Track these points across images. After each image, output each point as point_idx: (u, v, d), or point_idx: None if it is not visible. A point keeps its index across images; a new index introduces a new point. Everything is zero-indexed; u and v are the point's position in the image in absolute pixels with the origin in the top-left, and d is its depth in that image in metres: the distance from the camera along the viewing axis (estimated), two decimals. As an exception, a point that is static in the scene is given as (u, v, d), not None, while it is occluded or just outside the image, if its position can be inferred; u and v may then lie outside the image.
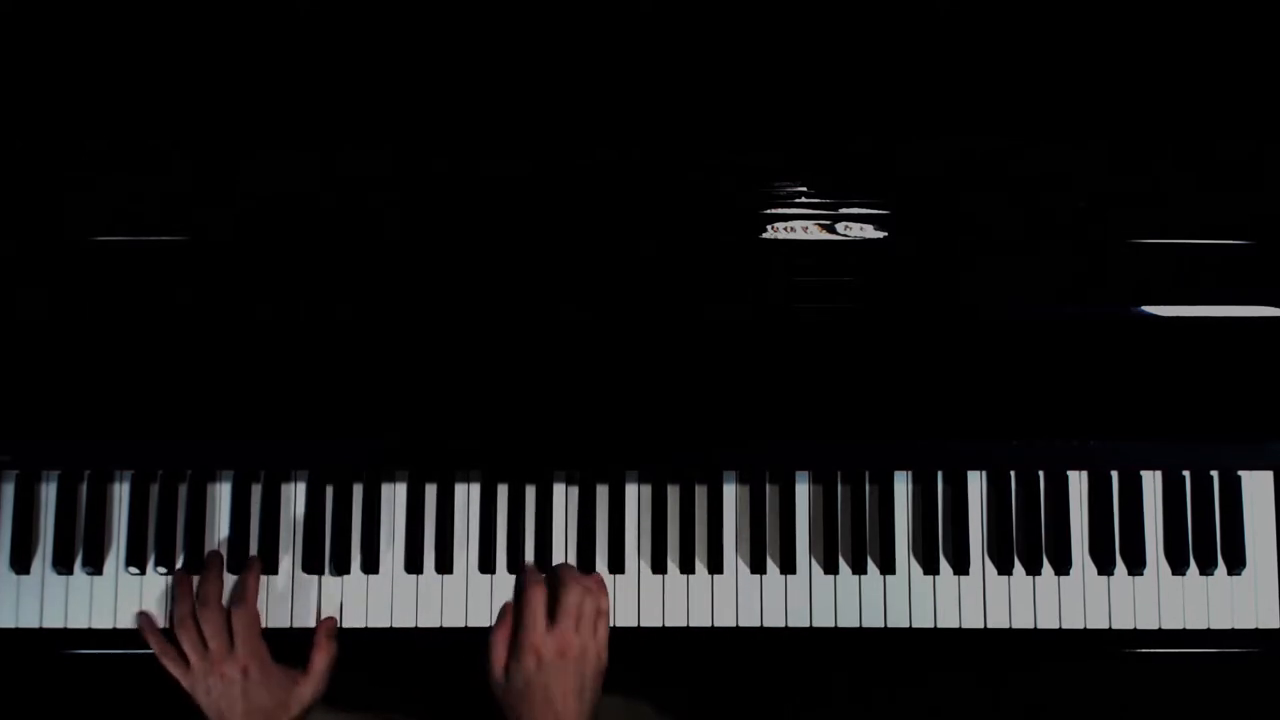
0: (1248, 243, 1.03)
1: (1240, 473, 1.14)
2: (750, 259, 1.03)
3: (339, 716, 1.17)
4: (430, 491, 1.15)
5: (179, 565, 1.13)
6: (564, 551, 1.14)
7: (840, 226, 1.03)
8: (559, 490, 1.15)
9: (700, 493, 1.15)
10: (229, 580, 1.13)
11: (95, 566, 1.13)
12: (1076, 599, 1.13)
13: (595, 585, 1.11)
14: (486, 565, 1.14)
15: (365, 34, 1.07)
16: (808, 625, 1.13)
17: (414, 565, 1.13)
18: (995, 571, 1.14)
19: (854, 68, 1.07)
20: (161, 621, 1.13)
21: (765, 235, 1.03)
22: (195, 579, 1.12)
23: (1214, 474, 1.14)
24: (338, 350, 1.03)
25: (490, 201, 1.04)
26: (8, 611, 1.13)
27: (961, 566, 1.13)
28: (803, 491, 1.15)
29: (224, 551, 1.13)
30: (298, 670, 1.10)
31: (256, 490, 1.15)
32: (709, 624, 1.14)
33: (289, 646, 1.14)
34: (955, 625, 1.13)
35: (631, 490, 1.15)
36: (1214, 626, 1.13)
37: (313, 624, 1.13)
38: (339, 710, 1.17)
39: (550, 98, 1.06)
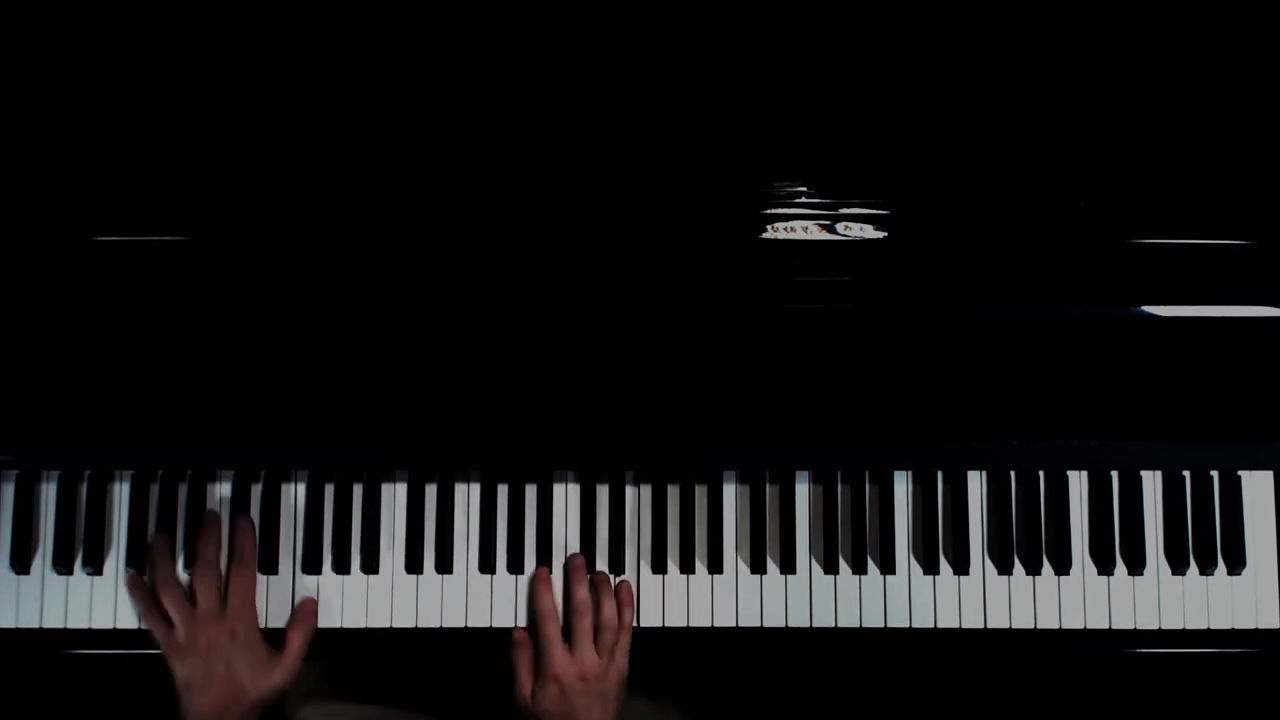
0: (1248, 243, 1.03)
1: (1240, 473, 1.14)
2: (750, 259, 1.03)
3: (335, 711, 1.18)
4: (430, 491, 1.15)
5: (180, 565, 1.13)
6: (564, 551, 1.14)
7: (840, 226, 1.03)
8: (559, 490, 1.15)
9: (700, 493, 1.15)
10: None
11: (95, 566, 1.13)
12: (1076, 599, 1.13)
13: (625, 597, 1.11)
14: (486, 565, 1.14)
15: (366, 34, 1.07)
16: (808, 625, 1.13)
17: (414, 565, 1.13)
18: (995, 571, 1.14)
19: (854, 67, 1.07)
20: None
21: (765, 235, 1.03)
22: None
23: (1214, 474, 1.14)
24: (338, 350, 1.03)
25: (490, 201, 1.04)
26: (8, 611, 1.13)
27: (961, 566, 1.13)
28: (803, 491, 1.15)
29: (226, 549, 1.13)
30: (273, 649, 1.09)
31: (257, 490, 1.15)
32: (709, 624, 1.14)
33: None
34: (955, 625, 1.13)
35: (631, 490, 1.15)
36: (1214, 626, 1.13)
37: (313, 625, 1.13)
38: (336, 705, 1.17)
39: (551, 97, 1.06)
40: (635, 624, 1.12)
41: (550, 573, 1.13)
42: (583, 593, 1.11)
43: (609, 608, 1.10)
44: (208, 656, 1.05)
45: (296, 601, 1.13)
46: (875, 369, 1.04)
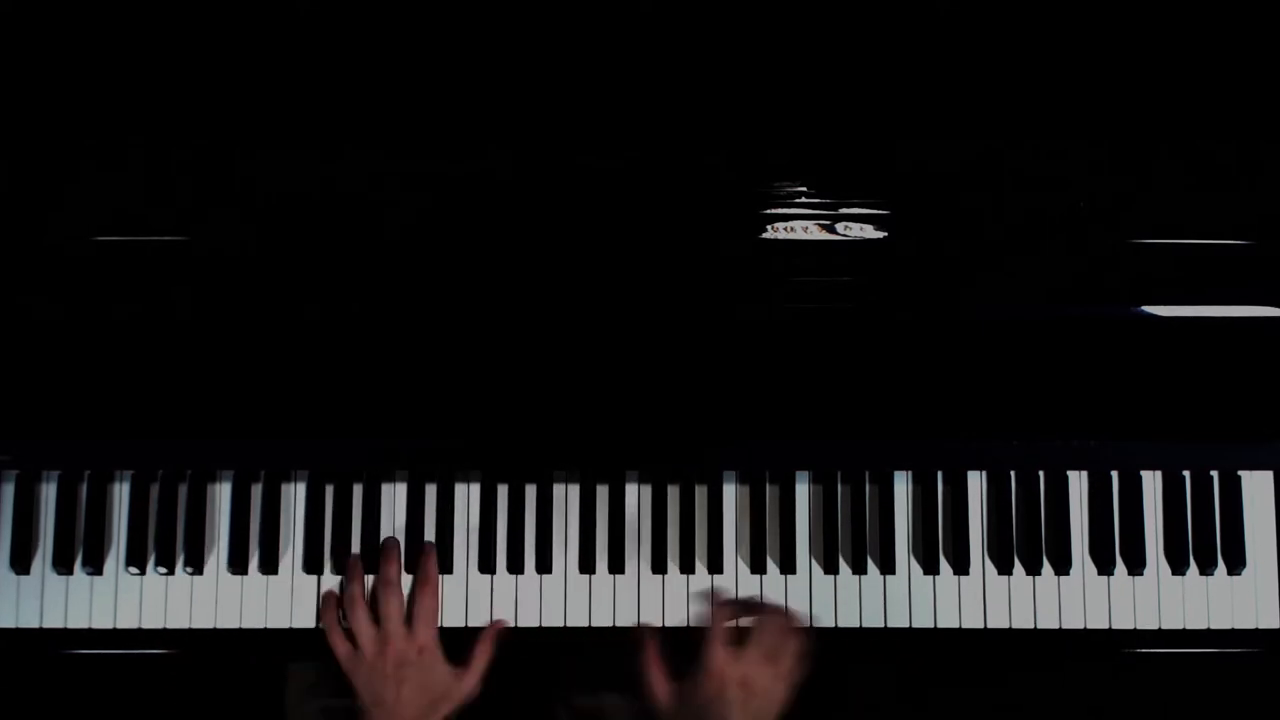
0: (1248, 243, 1.03)
1: (1240, 473, 1.14)
2: (750, 259, 1.03)
3: (335, 705, 1.18)
4: (430, 491, 1.15)
5: (179, 565, 1.13)
6: (564, 551, 1.14)
7: (840, 226, 1.03)
8: (559, 490, 1.15)
9: (700, 493, 1.15)
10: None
11: (95, 566, 1.13)
12: (1076, 599, 1.13)
13: (796, 625, 1.09)
14: (486, 566, 1.14)
15: (366, 34, 1.06)
16: (808, 625, 1.13)
17: (414, 565, 1.13)
18: (995, 571, 1.14)
19: (854, 67, 1.07)
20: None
21: (765, 235, 1.03)
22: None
23: (1214, 474, 1.14)
24: (338, 350, 1.03)
25: (490, 201, 1.04)
26: (8, 611, 1.13)
27: (961, 566, 1.13)
28: (803, 491, 1.15)
29: (225, 549, 1.13)
30: (455, 664, 1.09)
31: (257, 490, 1.15)
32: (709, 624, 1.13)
33: (290, 647, 1.14)
34: (955, 625, 1.13)
35: (631, 490, 1.15)
36: (1214, 626, 1.13)
37: (312, 624, 1.13)
38: (336, 700, 1.17)
39: (551, 97, 1.06)
40: (634, 624, 1.12)
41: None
42: (774, 608, 1.09)
43: (791, 628, 1.07)
44: (396, 674, 1.06)
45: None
46: (875, 369, 1.04)
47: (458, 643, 1.13)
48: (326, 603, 1.12)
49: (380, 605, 1.09)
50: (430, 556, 1.12)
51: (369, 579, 1.12)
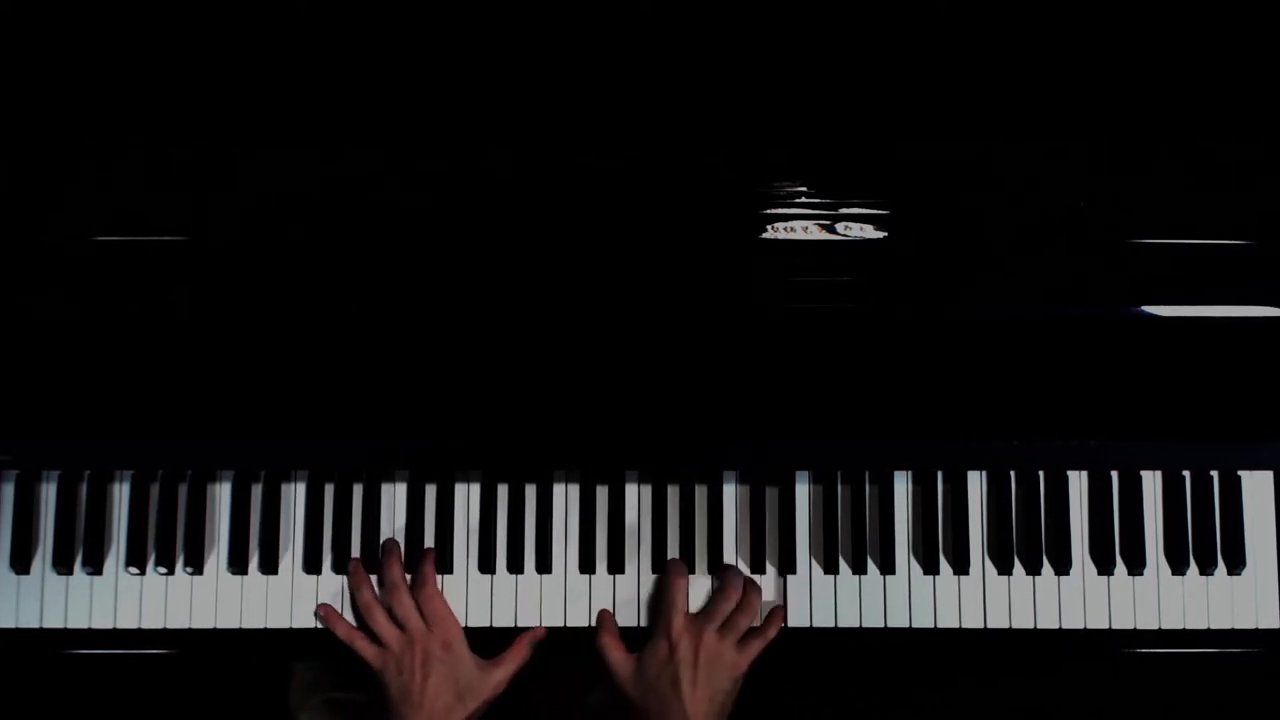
0: (1248, 243, 1.03)
1: (1240, 473, 1.14)
2: (750, 259, 1.03)
3: (339, 699, 1.18)
4: (430, 491, 1.15)
5: (179, 565, 1.13)
6: (564, 551, 1.14)
7: (840, 226, 1.03)
8: (559, 490, 1.15)
9: (700, 493, 1.15)
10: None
11: (95, 566, 1.13)
12: (1076, 599, 1.13)
13: (755, 595, 1.11)
14: (486, 565, 1.14)
15: (366, 34, 1.06)
16: (808, 625, 1.13)
17: (414, 565, 1.13)
18: (995, 571, 1.14)
19: (854, 67, 1.07)
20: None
21: (765, 235, 1.03)
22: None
23: (1214, 474, 1.14)
24: (338, 350, 1.03)
25: (490, 201, 1.04)
26: (8, 611, 1.13)
27: (961, 566, 1.13)
28: (803, 491, 1.15)
29: (225, 549, 1.13)
30: (484, 660, 1.09)
31: (257, 490, 1.15)
32: (709, 624, 1.13)
33: (290, 646, 1.14)
34: (955, 625, 1.13)
35: (631, 490, 1.15)
36: (1214, 626, 1.13)
37: (313, 624, 1.13)
38: (340, 694, 1.18)
39: (551, 97, 1.06)
40: (635, 624, 1.12)
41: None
42: (734, 573, 1.11)
43: (754, 598, 1.10)
44: (424, 668, 1.06)
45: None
46: (875, 369, 1.04)
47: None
48: (330, 617, 1.12)
49: (394, 608, 1.09)
50: (427, 560, 1.12)
51: (373, 579, 1.12)
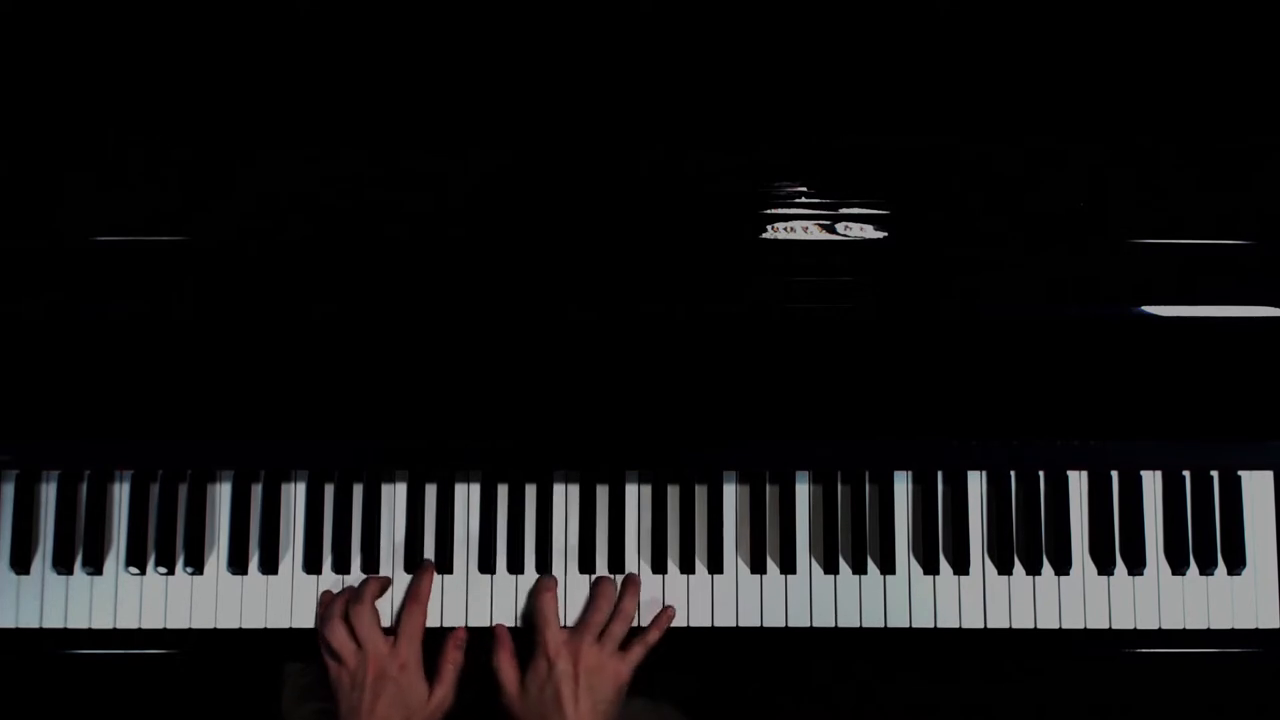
0: (1248, 243, 1.03)
1: (1240, 473, 1.14)
2: (750, 258, 1.03)
3: (330, 709, 1.18)
4: (430, 491, 1.15)
5: (179, 565, 1.13)
6: (564, 552, 1.14)
7: (840, 226, 1.03)
8: (559, 490, 1.15)
9: (700, 493, 1.15)
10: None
11: (95, 566, 1.13)
12: (1076, 599, 1.13)
13: (630, 586, 1.11)
14: (486, 565, 1.14)
15: (365, 35, 1.06)
16: (808, 625, 1.13)
17: (414, 565, 1.13)
18: (995, 571, 1.14)
19: (854, 67, 1.07)
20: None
21: (765, 235, 1.03)
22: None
23: (1214, 474, 1.14)
24: (337, 350, 1.03)
25: (490, 201, 1.04)
26: (8, 611, 1.13)
27: (961, 566, 1.13)
28: (803, 491, 1.15)
29: (225, 549, 1.13)
30: (433, 682, 1.09)
31: (257, 490, 1.15)
32: (709, 624, 1.14)
33: (290, 647, 1.14)
34: (955, 625, 1.13)
35: (631, 490, 1.15)
36: (1214, 626, 1.13)
37: (310, 625, 1.13)
38: (331, 703, 1.17)
39: (551, 98, 1.06)
40: (635, 623, 1.12)
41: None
42: (605, 584, 1.11)
43: (627, 604, 1.11)
44: (375, 687, 1.06)
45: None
46: (875, 369, 1.04)
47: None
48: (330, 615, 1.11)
49: (355, 624, 1.08)
50: (426, 573, 1.12)
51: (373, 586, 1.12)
